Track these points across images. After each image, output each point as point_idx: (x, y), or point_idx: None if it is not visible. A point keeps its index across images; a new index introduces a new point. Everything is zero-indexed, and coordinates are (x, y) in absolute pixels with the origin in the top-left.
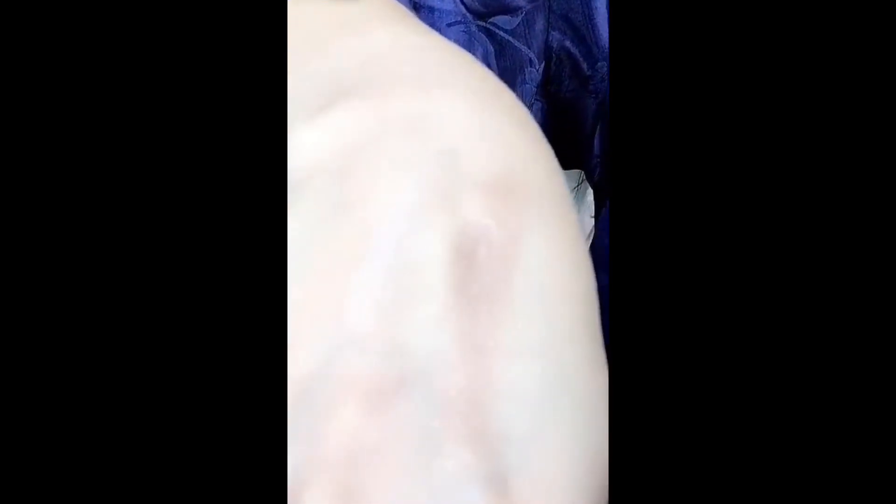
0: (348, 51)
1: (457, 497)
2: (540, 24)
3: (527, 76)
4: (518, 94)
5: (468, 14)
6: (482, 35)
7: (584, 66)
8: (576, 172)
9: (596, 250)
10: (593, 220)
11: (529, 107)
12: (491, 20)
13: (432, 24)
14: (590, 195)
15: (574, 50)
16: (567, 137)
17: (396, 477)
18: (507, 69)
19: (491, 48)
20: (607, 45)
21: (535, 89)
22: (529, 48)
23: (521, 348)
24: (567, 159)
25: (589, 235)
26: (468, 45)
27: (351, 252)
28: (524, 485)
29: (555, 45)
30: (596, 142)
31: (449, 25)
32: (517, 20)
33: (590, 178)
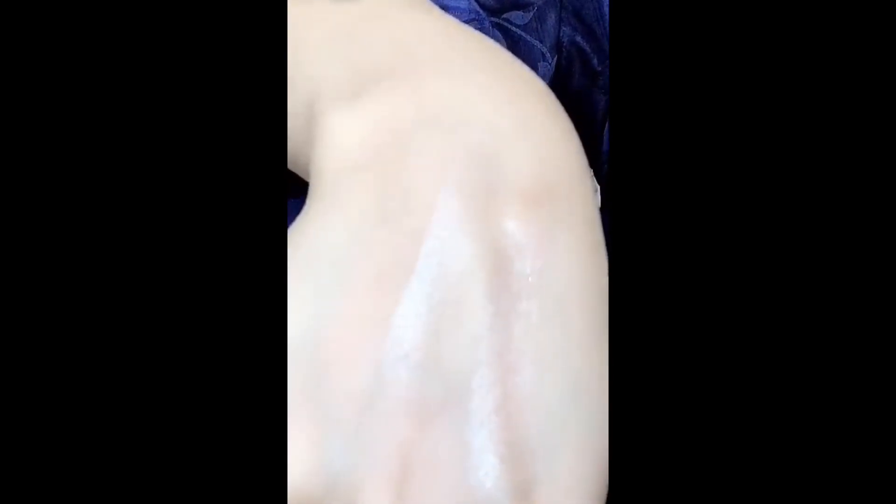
0: (376, 38)
1: None
2: (552, 19)
3: (539, 71)
4: None
5: (481, 11)
6: (496, 31)
7: (595, 61)
8: None
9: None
10: None
11: None
12: (504, 16)
13: None
14: (596, 193)
15: (585, 45)
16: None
17: (441, 492)
18: None
19: (504, 44)
20: None
21: (548, 84)
22: (542, 43)
23: (546, 358)
24: None
25: None
26: None
27: (397, 263)
28: (549, 493)
29: (565, 41)
30: (605, 138)
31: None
32: (529, 15)
33: (598, 175)
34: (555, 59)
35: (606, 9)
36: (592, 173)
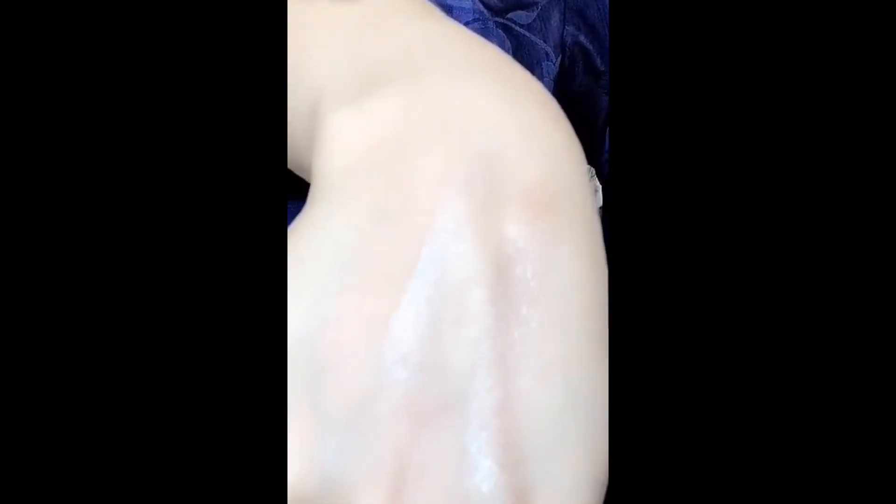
0: (381, 40)
1: None
2: (555, 19)
3: (544, 70)
4: None
5: (485, 10)
6: (499, 31)
7: (598, 61)
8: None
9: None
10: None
11: None
12: (508, 16)
13: None
14: (598, 193)
15: (588, 45)
16: (578, 132)
17: (438, 495)
18: (524, 64)
19: (508, 44)
20: None
21: (552, 83)
22: (546, 42)
23: (545, 365)
24: None
25: None
26: None
27: (398, 266)
28: (545, 499)
29: (569, 41)
30: (607, 138)
31: (467, 23)
32: (533, 15)
33: (600, 175)
34: (559, 58)
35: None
36: (594, 173)
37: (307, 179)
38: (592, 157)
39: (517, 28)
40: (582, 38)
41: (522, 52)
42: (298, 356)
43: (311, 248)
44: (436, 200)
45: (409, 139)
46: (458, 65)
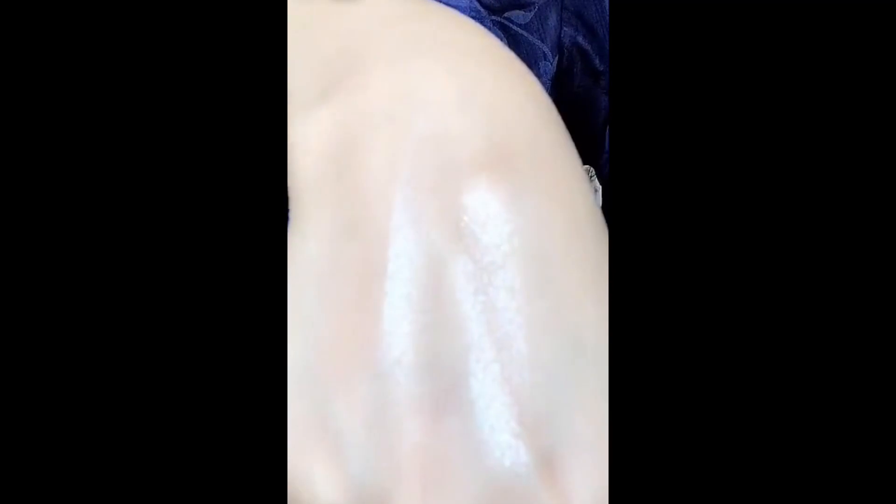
0: (332, 35)
1: (519, 491)
2: (553, 19)
3: (541, 70)
4: None
5: (482, 9)
6: (496, 30)
7: (597, 61)
8: (584, 169)
9: None
10: None
11: None
12: (505, 15)
13: None
14: (598, 193)
15: (587, 46)
16: (577, 133)
17: (465, 483)
18: None
19: (505, 43)
20: None
21: (549, 83)
22: (543, 42)
23: (536, 324)
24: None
25: None
26: None
27: (369, 273)
28: (569, 457)
29: (567, 41)
30: (607, 138)
31: None
32: (530, 15)
33: (599, 175)
34: (556, 58)
35: (609, 8)
36: (594, 173)
37: None
38: (592, 157)
39: (514, 27)
40: (580, 38)
41: (519, 52)
42: (300, 387)
43: (293, 274)
44: (389, 198)
45: (354, 143)
46: (401, 47)
